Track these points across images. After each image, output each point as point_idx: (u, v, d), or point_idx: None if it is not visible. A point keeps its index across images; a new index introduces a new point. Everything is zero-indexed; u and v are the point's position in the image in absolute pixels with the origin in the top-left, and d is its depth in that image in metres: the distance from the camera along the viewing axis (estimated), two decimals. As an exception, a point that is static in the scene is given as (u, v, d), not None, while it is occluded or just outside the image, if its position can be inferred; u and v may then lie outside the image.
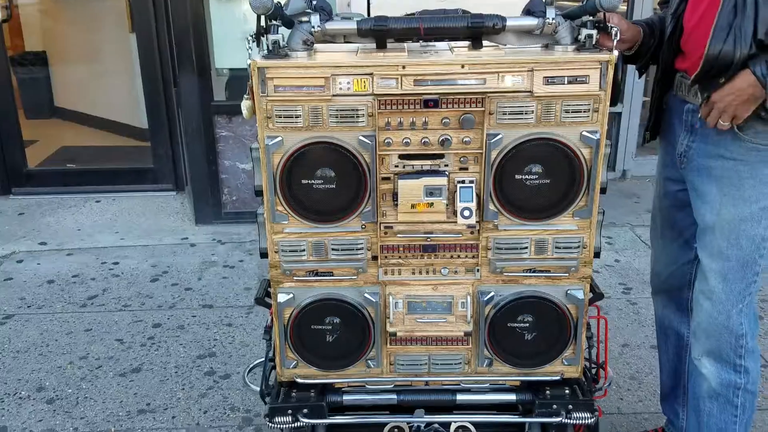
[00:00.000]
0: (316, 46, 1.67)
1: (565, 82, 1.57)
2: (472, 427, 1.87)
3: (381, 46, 1.67)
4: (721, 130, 1.62)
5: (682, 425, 2.11)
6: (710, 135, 1.68)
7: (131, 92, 5.27)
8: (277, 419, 1.81)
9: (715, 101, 1.59)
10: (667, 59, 1.76)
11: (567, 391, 1.82)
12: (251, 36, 1.62)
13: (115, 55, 5.56)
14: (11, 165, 4.64)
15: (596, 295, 1.81)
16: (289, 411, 1.81)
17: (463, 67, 1.57)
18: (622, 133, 4.63)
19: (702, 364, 1.81)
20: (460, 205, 1.64)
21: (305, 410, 1.81)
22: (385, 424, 1.88)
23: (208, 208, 4.12)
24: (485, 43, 1.67)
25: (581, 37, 1.60)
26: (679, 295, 2.01)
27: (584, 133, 1.60)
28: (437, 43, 1.76)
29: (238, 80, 4.29)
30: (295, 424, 1.81)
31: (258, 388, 1.90)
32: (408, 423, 1.87)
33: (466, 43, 1.71)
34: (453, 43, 1.74)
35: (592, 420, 1.80)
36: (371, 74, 1.57)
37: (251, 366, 2.09)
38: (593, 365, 1.96)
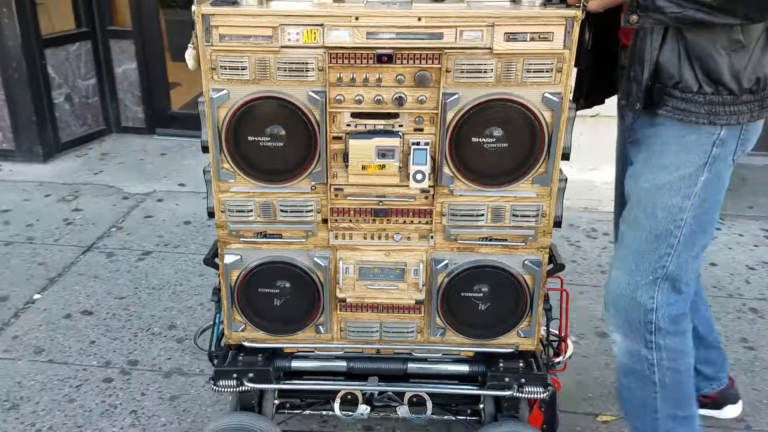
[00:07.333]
0: (271, -6, 1.57)
1: (528, 39, 1.47)
2: (427, 397, 1.82)
3: (339, -5, 1.57)
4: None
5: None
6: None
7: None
8: (221, 383, 1.76)
9: None
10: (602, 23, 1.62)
11: (521, 364, 1.76)
12: (198, -19, 1.52)
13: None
14: (157, 107, 4.70)
15: (556, 266, 1.73)
16: (234, 375, 1.76)
17: (419, 20, 1.46)
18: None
19: (613, 338, 1.73)
20: (413, 168, 1.56)
21: (251, 374, 1.76)
22: (338, 391, 1.84)
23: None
24: (449, -5, 1.57)
25: (548, -9, 1.50)
26: None
27: (546, 94, 1.50)
28: (399, -5, 1.66)
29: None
30: (239, 389, 1.77)
31: (207, 350, 1.86)
32: (361, 390, 1.83)
33: (431, -5, 1.60)
34: (417, -5, 1.64)
35: (545, 395, 1.75)
36: (322, 25, 1.47)
37: (203, 328, 2.04)
38: (554, 338, 1.90)
